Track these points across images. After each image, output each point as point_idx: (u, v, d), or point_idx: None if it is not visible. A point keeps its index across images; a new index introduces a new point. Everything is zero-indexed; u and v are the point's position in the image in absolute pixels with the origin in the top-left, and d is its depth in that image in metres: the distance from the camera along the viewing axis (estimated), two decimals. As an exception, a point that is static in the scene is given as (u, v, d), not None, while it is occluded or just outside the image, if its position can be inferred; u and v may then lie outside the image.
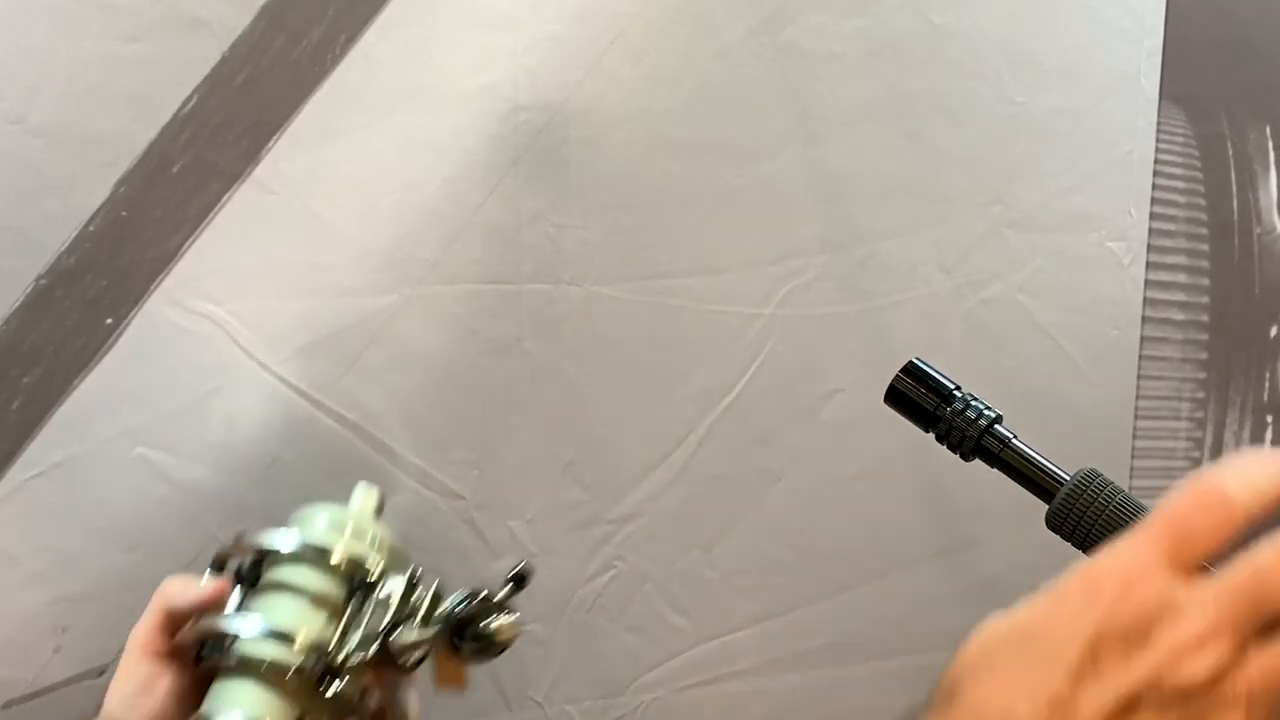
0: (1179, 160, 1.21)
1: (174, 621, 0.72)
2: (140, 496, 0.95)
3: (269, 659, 0.67)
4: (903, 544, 1.11)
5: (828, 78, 1.08)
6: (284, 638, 0.67)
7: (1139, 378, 1.23)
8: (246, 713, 0.66)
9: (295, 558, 0.71)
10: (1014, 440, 0.60)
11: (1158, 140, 1.20)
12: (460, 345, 1.03)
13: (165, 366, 0.93)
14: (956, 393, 0.62)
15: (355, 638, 0.69)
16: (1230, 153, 1.23)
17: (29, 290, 0.91)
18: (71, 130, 0.90)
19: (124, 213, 0.92)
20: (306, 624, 0.68)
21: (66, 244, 0.91)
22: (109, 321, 0.93)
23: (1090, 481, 0.56)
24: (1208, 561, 0.42)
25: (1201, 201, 1.23)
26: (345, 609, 0.70)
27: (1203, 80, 1.20)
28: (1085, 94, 1.16)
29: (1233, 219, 1.24)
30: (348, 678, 0.67)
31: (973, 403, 0.61)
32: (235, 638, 0.68)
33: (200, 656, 0.69)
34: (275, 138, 0.94)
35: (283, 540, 0.71)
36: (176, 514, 0.96)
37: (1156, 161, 1.20)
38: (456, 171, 1.00)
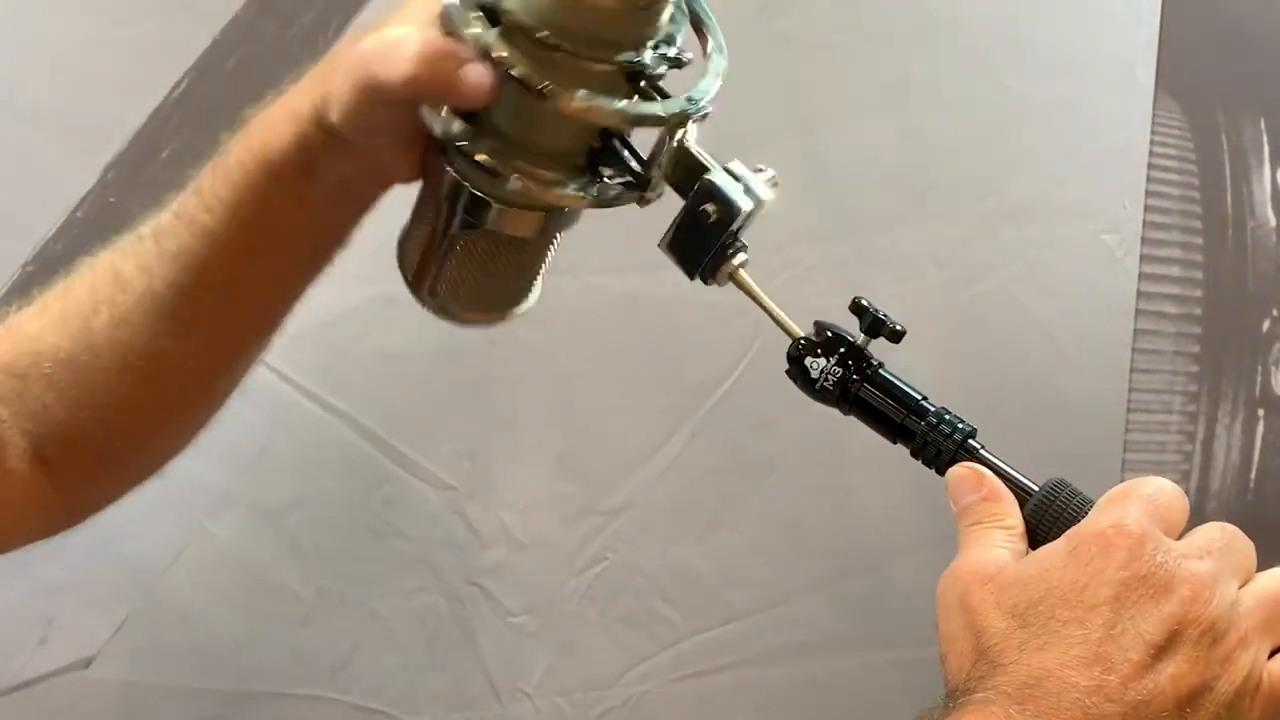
0: (1174, 153, 1.21)
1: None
2: (128, 486, 0.94)
3: None
4: (897, 535, 1.11)
5: (822, 67, 1.07)
6: None
7: (1131, 371, 1.23)
8: None
9: None
10: (982, 452, 0.60)
11: (1153, 132, 1.19)
12: (451, 335, 1.01)
13: (153, 354, 0.92)
14: (927, 405, 0.61)
15: None
16: (1225, 145, 1.23)
17: (15, 277, 0.90)
18: (60, 114, 0.89)
19: (112, 198, 0.91)
20: None
21: (54, 230, 0.90)
22: (96, 309, 0.92)
23: (1059, 491, 0.56)
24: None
25: (1196, 194, 1.22)
26: None
27: (1198, 72, 1.20)
28: (1080, 85, 1.16)
29: (1227, 212, 1.24)
30: None
31: (946, 417, 0.60)
32: None
33: None
34: (266, 123, 0.93)
35: None
36: (163, 502, 0.95)
37: (1151, 154, 1.20)
38: (449, 159, 0.99)
